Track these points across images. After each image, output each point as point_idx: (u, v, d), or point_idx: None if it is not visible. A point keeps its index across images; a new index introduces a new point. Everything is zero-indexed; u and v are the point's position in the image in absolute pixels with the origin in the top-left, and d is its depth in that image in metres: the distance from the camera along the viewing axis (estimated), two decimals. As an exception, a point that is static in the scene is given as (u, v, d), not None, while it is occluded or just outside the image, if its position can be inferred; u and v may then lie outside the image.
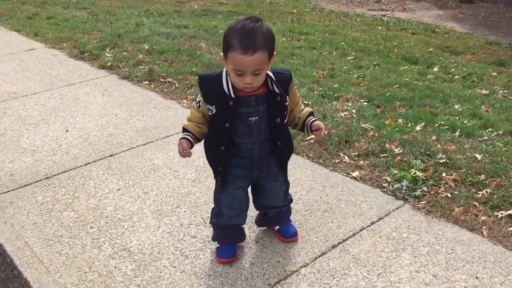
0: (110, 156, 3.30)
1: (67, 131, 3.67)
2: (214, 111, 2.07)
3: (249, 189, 2.34)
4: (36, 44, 5.97)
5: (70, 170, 3.15)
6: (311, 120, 2.20)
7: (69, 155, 3.32)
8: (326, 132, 2.25)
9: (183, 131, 2.19)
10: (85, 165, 3.20)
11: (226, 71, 2.02)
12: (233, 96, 2.02)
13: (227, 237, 2.34)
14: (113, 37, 6.15)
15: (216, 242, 2.37)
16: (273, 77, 2.03)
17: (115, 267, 2.32)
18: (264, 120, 2.09)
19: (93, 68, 5.05)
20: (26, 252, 2.43)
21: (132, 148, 3.39)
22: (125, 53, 5.43)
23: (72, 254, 2.41)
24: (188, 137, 2.15)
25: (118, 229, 2.58)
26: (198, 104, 2.15)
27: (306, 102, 4.16)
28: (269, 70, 2.03)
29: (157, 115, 3.91)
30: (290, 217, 2.50)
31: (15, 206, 2.79)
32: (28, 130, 3.70)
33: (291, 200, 2.45)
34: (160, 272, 2.27)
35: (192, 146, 2.16)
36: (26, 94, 4.39)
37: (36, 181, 3.03)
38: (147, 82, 4.59)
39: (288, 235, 2.43)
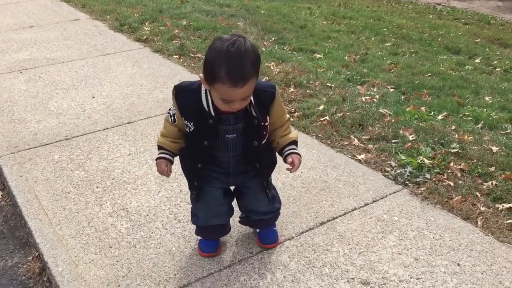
0: (128, 123, 3.45)
1: (93, 97, 3.85)
2: (192, 128, 1.94)
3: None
4: (82, 15, 6.22)
5: (88, 133, 3.32)
6: (287, 153, 2.03)
7: (90, 120, 3.50)
8: (298, 166, 2.01)
9: (158, 149, 2.06)
10: (103, 130, 3.36)
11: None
12: (213, 114, 1.88)
13: (208, 234, 2.23)
14: (155, 11, 6.32)
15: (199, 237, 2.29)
16: (252, 100, 1.88)
17: (112, 224, 2.45)
18: (242, 138, 1.97)
19: (129, 40, 5.23)
20: (34, 204, 2.61)
21: (149, 117, 3.52)
22: (162, 27, 5.58)
23: (75, 209, 2.57)
24: (166, 157, 2.04)
25: (121, 191, 2.71)
26: (172, 118, 1.99)
27: (329, 85, 4.16)
28: None
29: (180, 88, 4.02)
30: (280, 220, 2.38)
31: (32, 162, 2.99)
32: (58, 94, 3.91)
33: (278, 209, 2.27)
34: (152, 233, 2.38)
35: (171, 164, 2.06)
36: (63, 61, 4.62)
37: (56, 141, 3.22)
38: (177, 56, 4.71)
39: (267, 241, 2.28)
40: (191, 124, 1.94)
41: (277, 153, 2.12)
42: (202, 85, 1.86)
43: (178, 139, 2.05)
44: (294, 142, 2.07)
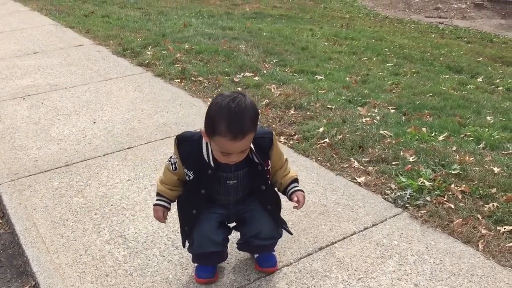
0: (128, 148, 3.46)
1: (94, 123, 3.87)
2: (192, 176, 2.02)
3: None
4: (85, 41, 6.29)
5: (88, 159, 3.32)
6: (292, 191, 2.11)
7: (91, 145, 3.51)
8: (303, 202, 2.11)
9: (157, 195, 2.13)
10: (104, 155, 3.37)
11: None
12: (212, 165, 1.98)
13: (205, 260, 2.21)
14: (158, 36, 6.39)
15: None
16: (253, 147, 1.97)
17: (109, 252, 2.44)
18: (243, 183, 2.05)
19: (131, 65, 5.27)
20: (32, 232, 2.61)
21: (149, 142, 3.53)
22: (164, 51, 5.63)
23: (73, 237, 2.56)
24: (164, 204, 2.11)
25: (119, 217, 2.71)
26: (174, 166, 2.06)
27: (330, 107, 4.16)
28: None
29: (181, 111, 4.04)
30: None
31: (32, 189, 2.99)
32: (59, 120, 3.94)
33: (281, 235, 2.26)
34: (149, 260, 2.37)
35: (168, 210, 2.14)
36: (66, 87, 4.66)
37: (56, 168, 3.22)
38: (179, 80, 4.74)
39: (265, 265, 2.27)
40: (191, 173, 2.02)
41: (281, 193, 2.20)
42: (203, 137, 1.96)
43: (177, 187, 2.12)
44: (296, 180, 2.16)
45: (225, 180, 2.03)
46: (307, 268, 2.29)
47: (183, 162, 2.02)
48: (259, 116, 1.92)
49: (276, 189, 2.19)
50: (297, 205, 2.09)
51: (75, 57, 5.59)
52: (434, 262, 2.31)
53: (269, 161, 2.07)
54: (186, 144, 2.02)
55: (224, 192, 2.07)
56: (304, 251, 2.40)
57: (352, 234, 2.52)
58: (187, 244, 2.19)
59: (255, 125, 1.87)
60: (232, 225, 2.24)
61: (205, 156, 1.98)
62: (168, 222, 2.59)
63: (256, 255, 2.32)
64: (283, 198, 2.18)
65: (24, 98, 4.41)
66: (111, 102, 4.27)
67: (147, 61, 5.29)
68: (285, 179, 2.15)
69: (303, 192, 2.13)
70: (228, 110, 1.79)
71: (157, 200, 2.14)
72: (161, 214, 2.12)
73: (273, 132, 2.10)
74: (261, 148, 2.02)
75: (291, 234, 2.32)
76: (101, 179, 3.09)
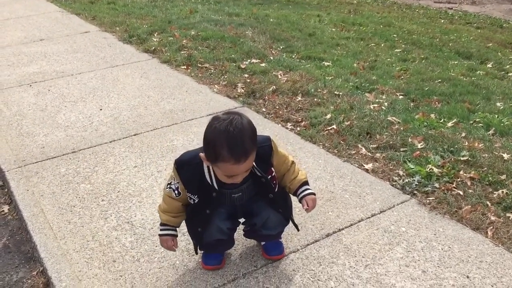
0: (135, 135, 3.45)
1: (100, 109, 3.87)
2: (197, 200, 2.00)
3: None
4: (91, 27, 6.27)
5: (95, 146, 3.32)
6: (301, 196, 2.09)
7: (97, 132, 3.50)
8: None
9: (162, 225, 2.10)
10: (110, 142, 3.37)
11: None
12: (216, 188, 1.96)
13: (212, 248, 2.20)
14: (164, 22, 6.34)
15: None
16: (254, 163, 1.91)
17: (116, 238, 2.44)
18: (248, 191, 2.03)
19: (137, 52, 5.25)
20: (39, 218, 2.61)
21: (156, 129, 3.52)
22: (171, 38, 5.60)
23: (80, 223, 2.56)
24: (171, 233, 2.09)
25: (126, 203, 2.70)
26: (176, 192, 2.01)
27: (337, 93, 4.13)
28: None
29: (187, 98, 4.03)
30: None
31: (39, 176, 3.00)
32: (66, 107, 3.93)
33: (288, 222, 2.22)
34: (156, 246, 2.36)
35: (176, 237, 2.13)
36: (72, 74, 4.65)
37: (63, 154, 3.22)
38: (185, 67, 4.71)
39: (273, 253, 2.26)
40: (195, 196, 1.99)
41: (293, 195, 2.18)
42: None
43: (181, 213, 2.09)
44: (305, 183, 2.13)
45: (230, 194, 2.02)
46: (314, 255, 2.28)
47: (186, 187, 1.99)
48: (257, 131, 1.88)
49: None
50: (308, 209, 2.07)
51: (81, 44, 5.57)
52: (442, 249, 2.29)
53: (272, 169, 2.03)
54: (187, 169, 1.97)
55: (230, 202, 2.05)
56: (311, 238, 2.39)
57: (359, 221, 2.50)
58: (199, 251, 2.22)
59: (255, 143, 1.83)
60: (241, 220, 2.23)
61: (208, 180, 1.95)
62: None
63: (263, 243, 2.32)
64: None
65: (30, 85, 4.41)
66: (117, 89, 4.26)
67: (153, 48, 5.26)
68: (294, 183, 2.11)
69: (314, 195, 2.11)
70: (227, 134, 1.75)
71: (162, 230, 2.10)
72: (170, 243, 2.10)
73: (271, 138, 2.03)
74: (262, 158, 1.97)
75: (298, 230, 2.30)
76: (108, 165, 3.08)
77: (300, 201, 2.11)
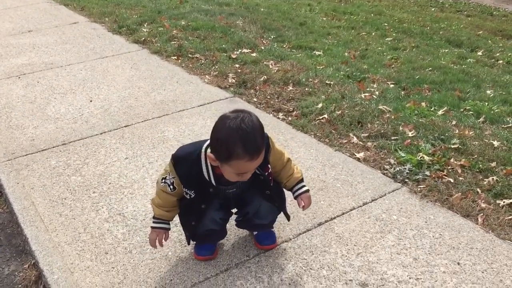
0: (125, 126, 3.43)
1: (90, 101, 3.84)
2: (193, 195, 2.00)
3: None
4: (80, 18, 6.21)
5: (86, 138, 3.30)
6: (297, 194, 2.15)
7: (88, 124, 3.48)
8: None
9: (155, 219, 2.08)
10: (101, 134, 3.35)
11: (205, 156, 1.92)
12: (214, 184, 1.96)
13: (204, 238, 2.20)
14: (153, 13, 6.30)
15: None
16: None
17: (108, 230, 2.43)
18: (242, 186, 2.05)
19: (127, 43, 5.21)
20: (30, 211, 2.59)
21: (147, 120, 3.50)
22: (161, 28, 5.56)
23: (71, 215, 2.55)
24: (164, 226, 2.09)
25: (118, 195, 2.69)
26: (171, 187, 2.00)
27: (328, 82, 4.13)
28: None
29: (178, 89, 4.01)
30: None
31: (29, 168, 2.97)
32: (55, 99, 3.90)
33: (280, 211, 2.23)
34: (148, 237, 2.35)
35: (169, 230, 2.13)
36: (61, 65, 4.61)
37: (53, 147, 3.20)
38: (175, 57, 4.69)
39: (265, 242, 2.26)
40: (192, 191, 2.00)
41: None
42: (201, 155, 1.92)
43: (175, 207, 2.09)
44: (301, 181, 2.16)
45: (225, 190, 2.04)
46: (306, 244, 2.28)
47: (182, 181, 1.98)
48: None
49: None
50: (304, 206, 2.14)
51: (70, 35, 5.52)
52: (433, 236, 2.31)
53: (268, 165, 2.03)
54: (184, 164, 1.96)
55: (225, 198, 2.09)
56: (303, 227, 2.39)
57: (351, 210, 2.51)
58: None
59: (264, 139, 1.85)
60: (234, 210, 2.24)
61: (206, 176, 1.95)
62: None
63: (255, 232, 2.32)
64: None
65: (19, 77, 4.37)
66: (107, 80, 4.23)
67: (143, 38, 5.22)
68: (290, 181, 2.14)
69: (308, 192, 2.15)
70: (242, 132, 1.74)
71: (155, 223, 2.08)
72: (161, 236, 2.09)
73: (268, 135, 2.00)
74: None
75: (288, 220, 2.30)
76: (99, 157, 3.07)
77: (295, 198, 2.16)
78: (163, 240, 2.12)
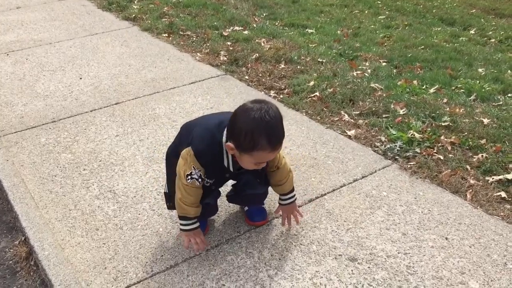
0: (116, 104, 3.41)
1: (80, 78, 3.80)
2: (212, 182, 2.04)
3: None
4: (69, -5, 6.12)
5: (76, 115, 3.28)
6: (280, 203, 2.20)
7: (78, 101, 3.45)
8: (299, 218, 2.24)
9: (190, 219, 2.05)
10: (91, 111, 3.32)
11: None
12: (232, 170, 2.01)
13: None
14: (144, -11, 6.20)
15: None
16: None
17: (98, 206, 2.43)
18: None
19: (117, 19, 5.15)
20: (20, 188, 2.58)
21: (137, 98, 3.48)
22: (151, 5, 5.49)
23: (62, 192, 2.54)
24: (198, 224, 2.09)
25: (108, 172, 2.69)
26: (199, 180, 1.98)
27: (320, 60, 4.11)
28: None
29: (169, 66, 3.97)
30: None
31: (19, 146, 2.95)
32: (45, 76, 3.86)
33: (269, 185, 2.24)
34: (139, 214, 2.36)
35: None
36: (50, 42, 4.55)
37: (43, 124, 3.18)
38: (166, 35, 4.64)
39: (256, 218, 2.29)
40: (212, 181, 2.04)
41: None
42: (223, 148, 1.93)
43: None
44: (290, 192, 2.19)
45: (237, 174, 2.11)
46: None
47: (207, 172, 1.99)
48: None
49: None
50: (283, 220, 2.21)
51: (59, 12, 5.44)
52: (422, 212, 2.33)
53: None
54: (207, 156, 1.96)
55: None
56: (293, 203, 2.40)
57: (341, 186, 2.53)
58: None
59: (284, 131, 1.88)
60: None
61: (226, 165, 2.00)
62: (157, 177, 2.60)
63: (246, 208, 2.33)
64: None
65: (7, 54, 4.31)
66: (97, 58, 4.18)
67: (133, 15, 5.16)
68: (279, 188, 2.17)
69: (293, 203, 2.19)
70: (266, 123, 1.77)
71: (191, 224, 2.05)
72: (201, 234, 2.09)
73: None
74: None
75: None
76: (89, 135, 3.05)
77: (279, 205, 2.21)
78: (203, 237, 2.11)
